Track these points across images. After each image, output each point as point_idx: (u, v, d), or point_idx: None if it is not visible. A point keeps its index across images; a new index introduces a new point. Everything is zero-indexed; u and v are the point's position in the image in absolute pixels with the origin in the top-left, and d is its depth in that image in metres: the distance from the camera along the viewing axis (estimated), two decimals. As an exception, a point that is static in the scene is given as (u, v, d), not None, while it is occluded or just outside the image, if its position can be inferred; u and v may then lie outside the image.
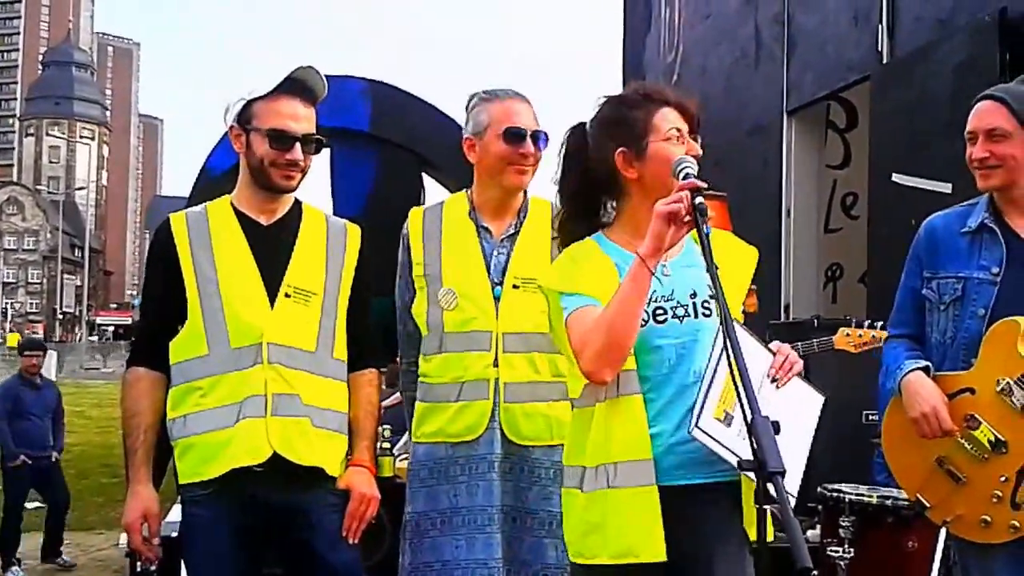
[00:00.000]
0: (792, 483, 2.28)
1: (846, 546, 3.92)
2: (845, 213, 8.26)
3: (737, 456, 2.16)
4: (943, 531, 3.51)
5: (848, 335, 4.11)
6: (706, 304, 2.38)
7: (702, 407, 2.22)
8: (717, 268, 2.11)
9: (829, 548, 3.98)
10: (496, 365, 2.96)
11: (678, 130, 2.39)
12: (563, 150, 2.49)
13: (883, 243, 6.23)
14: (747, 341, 2.27)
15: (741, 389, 1.97)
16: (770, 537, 2.15)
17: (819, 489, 4.14)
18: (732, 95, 8.91)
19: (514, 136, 3.00)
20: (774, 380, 2.33)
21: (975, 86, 3.03)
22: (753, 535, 2.26)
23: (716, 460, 2.29)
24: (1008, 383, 2.77)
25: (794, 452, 2.32)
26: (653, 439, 2.31)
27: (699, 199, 2.18)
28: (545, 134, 3.04)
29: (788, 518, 1.85)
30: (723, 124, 8.97)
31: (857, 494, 4.01)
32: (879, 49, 6.80)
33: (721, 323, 2.07)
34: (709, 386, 2.24)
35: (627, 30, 11.29)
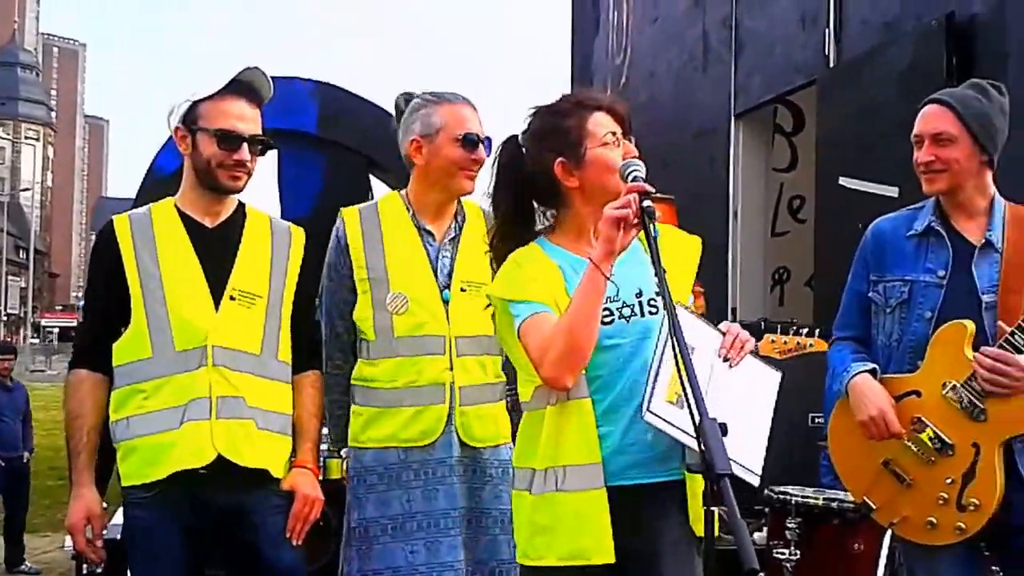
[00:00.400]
0: (756, 459, 2.34)
1: (792, 548, 3.96)
2: (792, 216, 8.32)
3: (692, 437, 2.16)
4: (889, 533, 3.54)
5: (773, 341, 4.06)
6: (652, 302, 2.40)
7: (652, 391, 2.25)
8: (665, 272, 2.13)
9: (776, 550, 4.01)
10: (451, 369, 2.97)
11: (613, 134, 2.41)
12: (497, 162, 2.50)
13: (830, 246, 6.28)
14: (697, 325, 2.32)
15: (689, 390, 1.98)
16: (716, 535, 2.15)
17: (766, 492, 4.16)
18: (680, 98, 8.96)
19: (470, 142, 3.01)
20: (727, 360, 2.35)
21: (921, 90, 3.07)
22: (701, 534, 2.28)
23: (664, 459, 2.33)
24: (954, 386, 2.80)
25: (755, 428, 2.38)
26: (602, 440, 2.34)
27: (647, 202, 2.20)
28: (490, 139, 3.05)
29: (735, 520, 1.86)
30: (671, 127, 9.03)
31: (804, 496, 4.05)
32: (826, 53, 6.87)
33: (669, 331, 2.08)
34: (658, 370, 2.26)
35: (575, 33, 11.33)
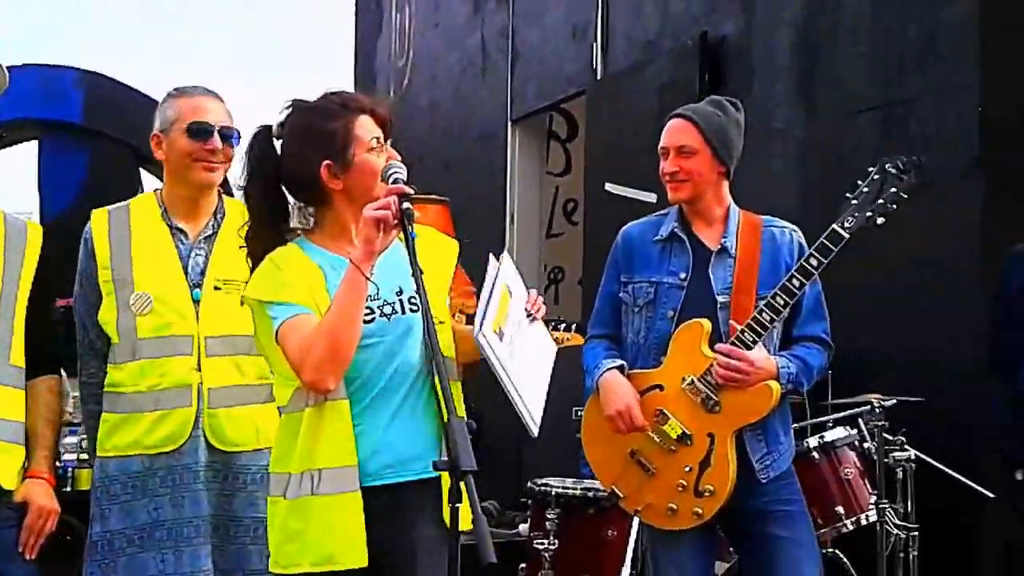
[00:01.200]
0: (538, 412, 2.46)
1: (551, 538, 4.04)
2: (567, 219, 8.54)
3: (507, 374, 2.28)
4: (636, 519, 3.68)
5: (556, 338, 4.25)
6: (412, 300, 2.40)
7: (484, 315, 2.31)
8: (422, 272, 2.16)
9: (536, 541, 4.11)
10: (199, 369, 2.86)
11: (378, 139, 2.41)
12: (249, 153, 2.45)
13: (597, 248, 6.49)
14: (516, 277, 2.48)
15: (439, 390, 2.05)
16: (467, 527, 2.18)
17: (528, 484, 4.28)
18: (461, 102, 9.06)
19: (198, 131, 2.92)
20: (529, 315, 2.46)
21: (678, 104, 3.23)
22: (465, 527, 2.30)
23: (422, 457, 2.34)
24: (692, 380, 2.96)
25: (539, 384, 2.51)
26: (359, 439, 2.32)
27: (406, 204, 2.22)
28: (237, 132, 2.97)
29: (476, 515, 1.92)
30: (452, 130, 9.11)
31: (563, 487, 4.15)
32: (593, 66, 7.07)
33: (424, 332, 2.14)
34: (488, 299, 2.33)
35: (358, 33, 11.26)
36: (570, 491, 4.14)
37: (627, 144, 6.27)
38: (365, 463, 2.32)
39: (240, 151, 2.92)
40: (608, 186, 6.48)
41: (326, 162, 2.36)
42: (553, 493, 4.13)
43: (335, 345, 2.23)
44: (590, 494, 4.08)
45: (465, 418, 2.03)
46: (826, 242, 2.88)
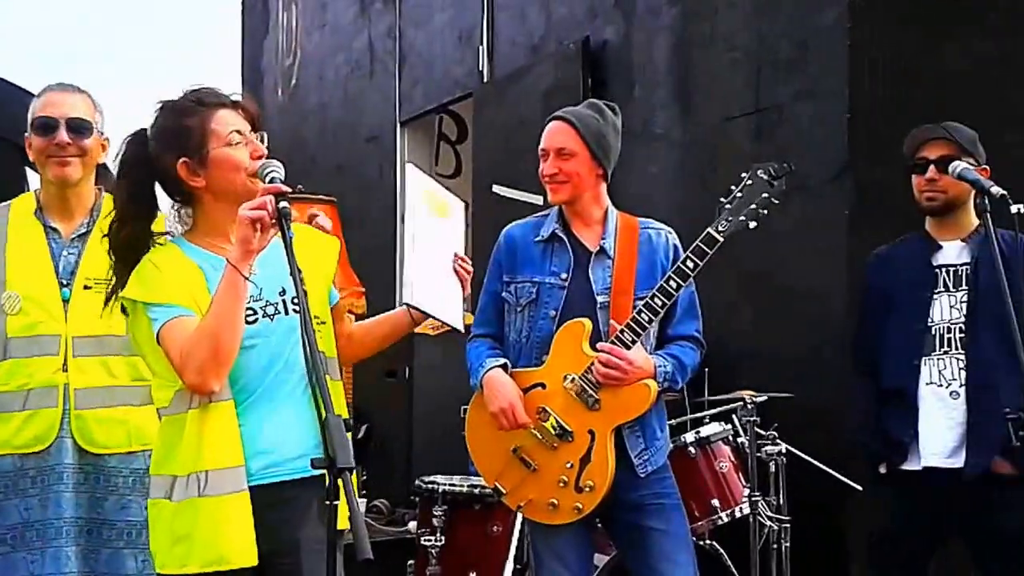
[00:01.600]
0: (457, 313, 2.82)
1: (438, 534, 4.09)
2: (458, 220, 8.59)
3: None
4: (520, 515, 3.67)
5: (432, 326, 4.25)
6: (296, 300, 2.38)
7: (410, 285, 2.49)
8: (301, 272, 2.16)
9: (423, 537, 4.14)
10: (66, 370, 2.84)
11: (239, 132, 2.38)
12: (119, 157, 2.44)
13: (486, 249, 6.52)
14: (439, 193, 2.90)
15: (317, 389, 2.05)
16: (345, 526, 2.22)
17: (416, 482, 4.31)
18: (350, 103, 9.01)
19: (43, 127, 2.90)
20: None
21: (562, 107, 3.29)
22: (343, 526, 2.30)
23: (301, 456, 2.34)
24: (573, 378, 3.03)
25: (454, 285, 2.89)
26: (246, 440, 2.33)
27: (283, 203, 2.20)
28: (90, 124, 2.93)
29: (354, 512, 1.94)
30: (343, 131, 9.05)
31: (450, 484, 4.19)
32: (480, 69, 7.11)
33: (302, 331, 2.12)
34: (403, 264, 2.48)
35: (245, 31, 11.11)
36: (456, 488, 4.18)
37: (514, 146, 6.32)
38: (251, 463, 2.33)
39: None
40: (496, 188, 6.53)
41: (183, 159, 2.36)
42: (440, 490, 4.18)
43: (217, 347, 2.22)
44: (476, 491, 4.14)
45: (343, 416, 2.03)
46: (701, 245, 2.98)
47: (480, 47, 7.10)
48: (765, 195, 2.98)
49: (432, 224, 2.62)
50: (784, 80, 4.94)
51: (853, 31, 4.64)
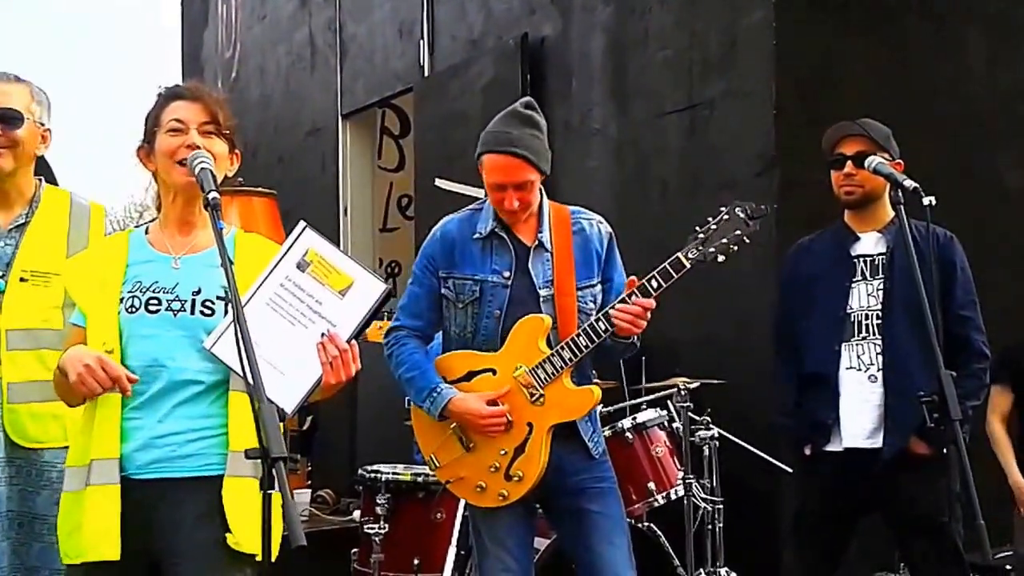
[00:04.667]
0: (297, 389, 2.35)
1: (382, 522, 4.12)
2: (401, 214, 8.56)
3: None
4: (463, 501, 3.81)
5: (380, 327, 4.17)
6: (208, 304, 2.39)
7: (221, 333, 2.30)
8: (232, 263, 2.15)
9: (366, 526, 4.18)
10: None
11: (179, 120, 2.41)
12: None
13: (427, 242, 6.62)
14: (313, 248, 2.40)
15: (250, 379, 2.04)
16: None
17: (360, 471, 4.35)
18: (291, 96, 9.00)
19: None
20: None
21: (501, 102, 3.35)
22: (240, 537, 2.31)
23: (195, 456, 2.35)
24: (524, 370, 3.10)
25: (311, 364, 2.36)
26: (133, 433, 2.34)
27: (213, 194, 2.20)
28: (19, 114, 2.90)
29: (286, 500, 1.96)
30: (284, 124, 9.04)
31: (394, 473, 4.23)
32: (421, 63, 7.16)
33: (234, 320, 2.09)
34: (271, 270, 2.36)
35: (184, 23, 11.03)
36: (399, 476, 4.22)
37: (455, 140, 6.37)
38: (135, 456, 2.33)
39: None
40: (438, 181, 6.57)
41: (141, 145, 2.49)
42: (383, 479, 4.21)
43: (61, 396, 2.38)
44: (419, 479, 4.18)
45: (275, 404, 2.05)
46: (668, 268, 2.99)
47: (421, 41, 7.14)
48: (738, 232, 2.98)
49: (304, 286, 2.39)
50: (714, 78, 5.05)
51: (778, 30, 4.76)
